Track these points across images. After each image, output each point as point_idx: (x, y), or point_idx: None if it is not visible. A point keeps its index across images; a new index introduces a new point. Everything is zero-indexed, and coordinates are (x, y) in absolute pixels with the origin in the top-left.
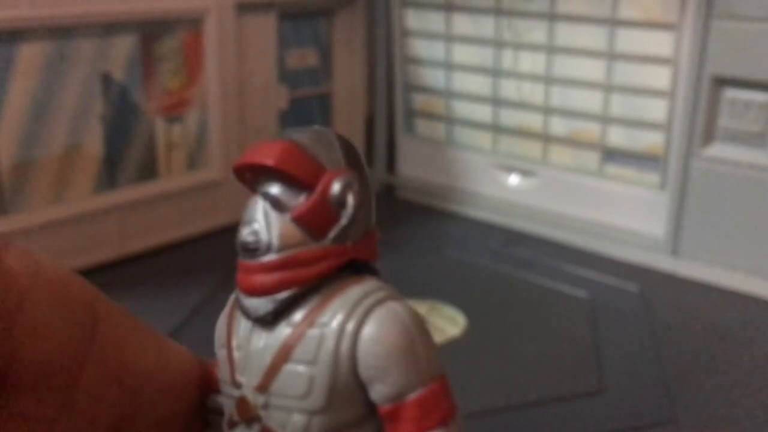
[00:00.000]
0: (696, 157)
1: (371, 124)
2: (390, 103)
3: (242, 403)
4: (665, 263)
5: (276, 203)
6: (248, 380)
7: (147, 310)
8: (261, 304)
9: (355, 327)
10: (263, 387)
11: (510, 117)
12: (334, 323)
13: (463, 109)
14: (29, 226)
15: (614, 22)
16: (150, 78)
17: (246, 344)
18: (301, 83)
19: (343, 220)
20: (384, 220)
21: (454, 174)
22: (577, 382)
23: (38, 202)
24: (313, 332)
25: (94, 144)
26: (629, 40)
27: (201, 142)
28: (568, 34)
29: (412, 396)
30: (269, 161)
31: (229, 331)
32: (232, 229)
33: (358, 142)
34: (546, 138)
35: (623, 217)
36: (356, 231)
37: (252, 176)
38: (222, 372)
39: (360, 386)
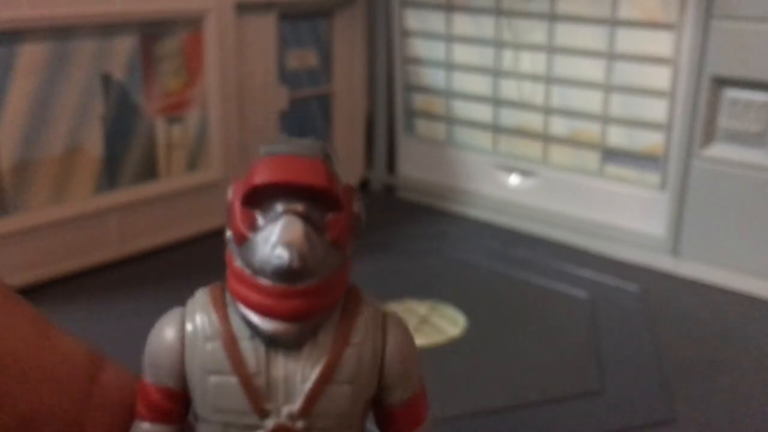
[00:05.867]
0: (696, 157)
1: (371, 124)
2: (390, 104)
3: (282, 431)
4: (665, 263)
5: (315, 224)
6: (281, 407)
7: (147, 310)
8: (295, 329)
9: (381, 341)
10: (305, 411)
11: (510, 117)
12: (368, 341)
13: (463, 109)
14: (29, 226)
15: (614, 22)
16: (150, 78)
17: (265, 370)
18: (301, 83)
19: (358, 234)
20: (384, 220)
21: (454, 174)
22: (577, 382)
23: (38, 203)
24: (351, 351)
25: (94, 144)
26: (629, 40)
27: (201, 143)
28: (568, 35)
29: (417, 393)
30: (319, 182)
31: (236, 357)
32: None
33: (358, 142)
34: (546, 138)
35: (623, 217)
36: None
37: (272, 193)
38: (227, 402)
39: (375, 393)
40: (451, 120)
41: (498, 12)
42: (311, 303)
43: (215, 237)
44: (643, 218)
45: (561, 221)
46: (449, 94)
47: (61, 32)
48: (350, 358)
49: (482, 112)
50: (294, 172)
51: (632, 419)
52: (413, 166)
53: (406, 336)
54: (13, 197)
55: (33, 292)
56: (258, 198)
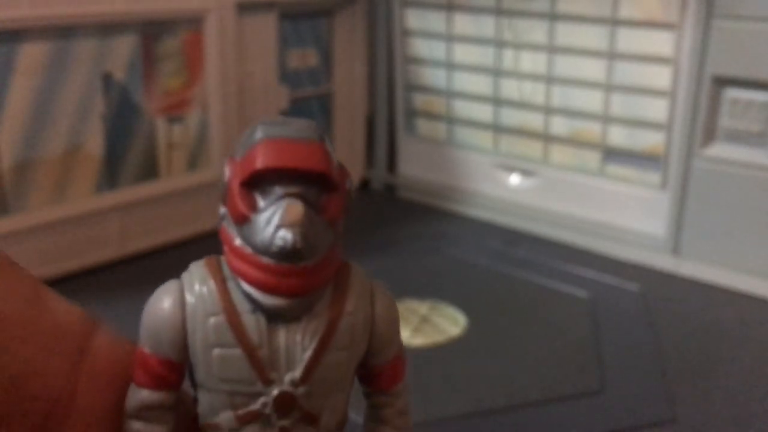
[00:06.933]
0: (697, 156)
1: (372, 124)
2: (390, 103)
3: (286, 397)
4: (666, 263)
5: (315, 207)
6: (284, 375)
7: None
8: (294, 303)
9: (370, 309)
10: (306, 377)
11: (511, 117)
12: (360, 310)
13: (463, 108)
14: (30, 226)
15: (615, 22)
16: (150, 78)
17: (267, 341)
18: (301, 83)
19: (348, 211)
20: (384, 220)
21: (454, 174)
22: (577, 382)
23: (39, 202)
24: (346, 320)
25: (94, 144)
26: (630, 40)
27: (201, 142)
28: (568, 34)
29: (399, 353)
30: (319, 166)
31: (239, 331)
32: None
33: (359, 142)
34: (547, 138)
35: (624, 216)
36: None
37: (272, 176)
38: (232, 372)
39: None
40: (451, 120)
41: (498, 12)
42: (311, 280)
43: (215, 237)
44: (643, 218)
45: (561, 221)
46: (450, 93)
47: (61, 32)
48: (345, 327)
49: (483, 112)
50: (295, 157)
51: (632, 419)
52: (414, 166)
53: (391, 303)
54: (14, 197)
55: None
56: (258, 180)
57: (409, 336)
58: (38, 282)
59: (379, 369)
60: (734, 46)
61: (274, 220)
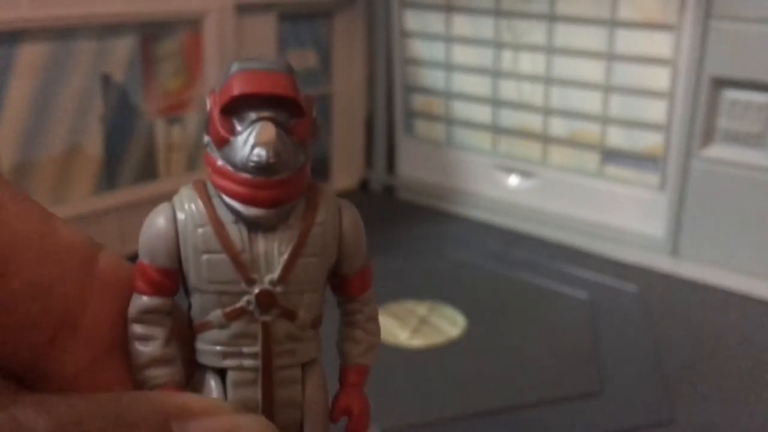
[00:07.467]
0: (695, 157)
1: (371, 125)
2: (389, 104)
3: (266, 294)
4: (665, 264)
5: (286, 129)
6: (264, 276)
7: None
8: (272, 214)
9: (339, 218)
10: (283, 278)
11: (510, 118)
12: (329, 220)
13: (462, 109)
14: None
15: (614, 23)
16: (150, 79)
17: (249, 247)
18: (300, 84)
19: (316, 138)
20: (384, 221)
21: (453, 175)
22: (577, 383)
23: None
24: (316, 230)
25: (94, 145)
26: (629, 41)
27: (201, 143)
28: (567, 35)
29: (366, 263)
30: (288, 92)
31: (224, 238)
32: None
33: (358, 142)
34: (546, 139)
35: (623, 217)
36: None
37: (246, 102)
38: (220, 274)
39: (335, 263)
40: (450, 121)
41: (497, 13)
42: (284, 192)
43: None
44: (642, 219)
45: (560, 222)
46: (449, 94)
47: (61, 32)
48: (316, 235)
49: (482, 113)
50: (266, 84)
51: (632, 419)
52: (413, 167)
53: (357, 216)
54: None
55: None
56: (234, 107)
57: (408, 337)
58: (44, 208)
59: (349, 277)
60: (733, 47)
61: (250, 140)
